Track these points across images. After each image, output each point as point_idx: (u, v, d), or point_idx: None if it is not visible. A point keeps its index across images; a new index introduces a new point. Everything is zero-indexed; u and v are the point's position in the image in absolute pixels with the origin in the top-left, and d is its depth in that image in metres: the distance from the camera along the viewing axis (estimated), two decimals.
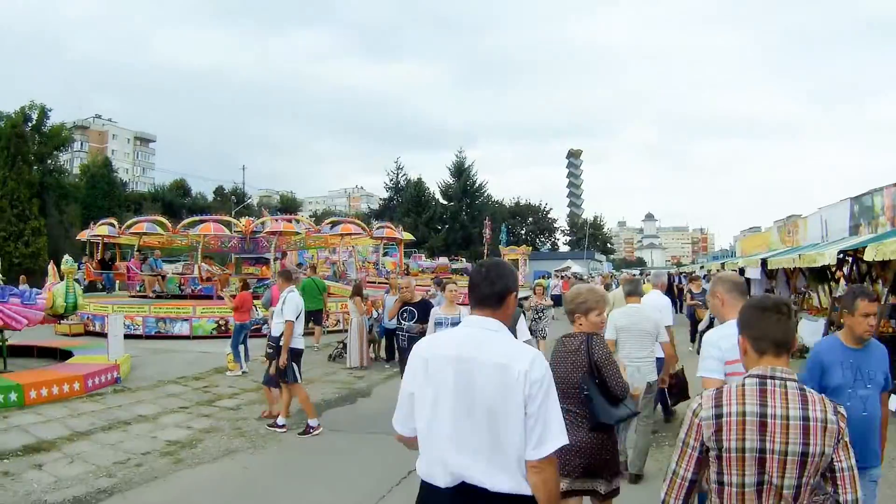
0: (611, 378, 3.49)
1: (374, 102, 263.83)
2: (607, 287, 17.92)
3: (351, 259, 26.74)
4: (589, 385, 3.43)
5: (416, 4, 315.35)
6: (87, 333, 15.29)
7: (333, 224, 23.00)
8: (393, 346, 11.18)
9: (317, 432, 7.07)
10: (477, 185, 65.89)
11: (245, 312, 10.95)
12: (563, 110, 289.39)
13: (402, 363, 7.31)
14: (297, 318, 7.17)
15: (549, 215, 75.98)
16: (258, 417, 7.77)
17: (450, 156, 69.53)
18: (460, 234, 61.56)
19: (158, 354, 12.69)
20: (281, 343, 7.09)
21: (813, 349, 3.59)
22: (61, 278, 10.91)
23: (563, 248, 74.35)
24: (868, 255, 8.19)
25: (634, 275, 22.59)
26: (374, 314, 12.64)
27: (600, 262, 67.27)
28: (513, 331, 4.04)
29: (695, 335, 12.60)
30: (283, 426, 7.19)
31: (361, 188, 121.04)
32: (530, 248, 55.24)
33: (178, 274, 20.07)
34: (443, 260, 41.78)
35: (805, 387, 2.01)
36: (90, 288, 20.13)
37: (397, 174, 66.75)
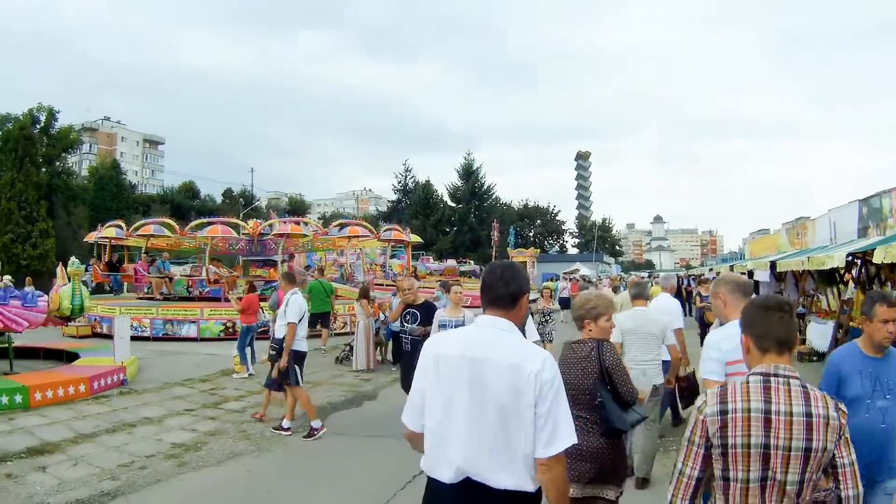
0: (621, 384, 3.50)
1: (378, 103, 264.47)
2: (616, 290, 17.86)
3: (358, 261, 26.83)
4: (602, 392, 3.43)
5: (415, 4, 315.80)
6: (95, 335, 15.33)
7: (341, 226, 22.99)
8: (400, 348, 11.12)
9: (320, 433, 7.03)
10: (485, 187, 65.97)
11: (251, 315, 10.93)
12: (573, 112, 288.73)
13: (404, 367, 7.25)
14: (299, 320, 7.14)
15: (557, 217, 76.03)
16: (252, 416, 7.79)
17: (461, 158, 69.40)
18: (468, 236, 61.59)
19: (166, 356, 12.69)
20: (284, 345, 7.06)
21: (830, 357, 3.46)
22: (68, 280, 10.93)
23: (572, 251, 74.20)
24: (877, 258, 8.14)
25: (642, 277, 22.54)
26: (381, 317, 12.62)
27: (609, 264, 67.06)
28: (522, 332, 4.03)
29: (704, 338, 12.47)
30: (288, 429, 7.16)
31: (370, 190, 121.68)
32: (538, 250, 55.35)
33: (185, 276, 20.20)
34: (451, 262, 41.89)
35: (807, 384, 2.03)
36: (98, 290, 20.19)
37: (406, 176, 67.00)
